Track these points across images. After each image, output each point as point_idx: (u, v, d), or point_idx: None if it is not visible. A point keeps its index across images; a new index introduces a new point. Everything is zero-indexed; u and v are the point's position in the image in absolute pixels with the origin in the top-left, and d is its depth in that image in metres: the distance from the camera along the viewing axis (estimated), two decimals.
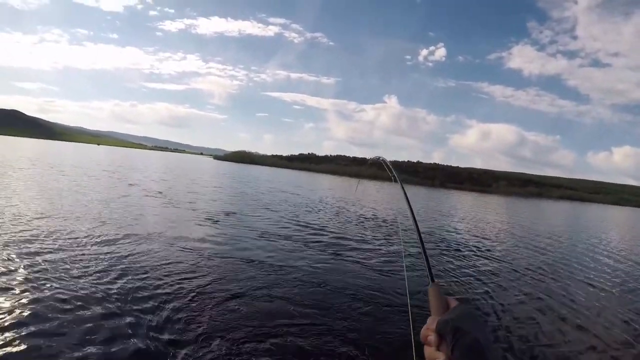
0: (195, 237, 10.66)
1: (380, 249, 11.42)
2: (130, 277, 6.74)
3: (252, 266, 8.44)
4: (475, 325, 0.96)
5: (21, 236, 8.50)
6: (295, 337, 5.27)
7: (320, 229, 13.92)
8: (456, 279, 9.02)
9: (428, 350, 1.03)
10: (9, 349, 4.31)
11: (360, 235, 13.64)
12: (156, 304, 5.87)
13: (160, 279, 6.87)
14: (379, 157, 2.60)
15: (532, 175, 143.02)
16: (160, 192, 19.75)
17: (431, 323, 1.04)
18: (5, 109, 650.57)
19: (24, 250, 7.50)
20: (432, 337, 1.01)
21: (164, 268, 7.55)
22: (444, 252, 12.19)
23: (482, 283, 8.96)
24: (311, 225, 14.49)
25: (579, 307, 8.20)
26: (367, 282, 8.17)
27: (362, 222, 17.04)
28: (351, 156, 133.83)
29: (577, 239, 20.08)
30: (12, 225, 9.42)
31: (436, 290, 1.16)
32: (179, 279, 7.03)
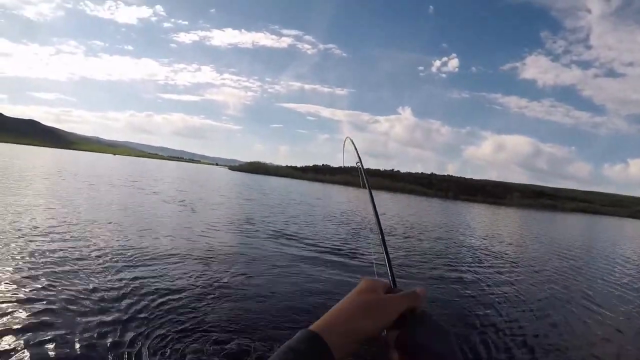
0: (228, 245, 11.29)
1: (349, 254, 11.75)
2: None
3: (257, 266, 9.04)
4: (439, 338, 0.87)
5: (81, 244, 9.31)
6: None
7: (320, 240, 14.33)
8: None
9: None
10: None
11: (330, 236, 14.44)
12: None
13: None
14: (356, 162, 2.66)
15: (546, 187, 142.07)
16: (184, 202, 20.55)
17: (390, 337, 0.93)
18: (23, 119, 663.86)
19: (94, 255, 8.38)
20: (393, 356, 0.89)
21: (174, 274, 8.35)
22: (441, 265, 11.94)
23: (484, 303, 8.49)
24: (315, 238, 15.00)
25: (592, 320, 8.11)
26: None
27: (333, 224, 17.59)
28: (365, 167, 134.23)
29: (585, 253, 19.92)
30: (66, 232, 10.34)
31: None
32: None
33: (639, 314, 9.24)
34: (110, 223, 12.24)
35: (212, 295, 6.71)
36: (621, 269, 15.92)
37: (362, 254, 11.82)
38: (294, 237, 13.75)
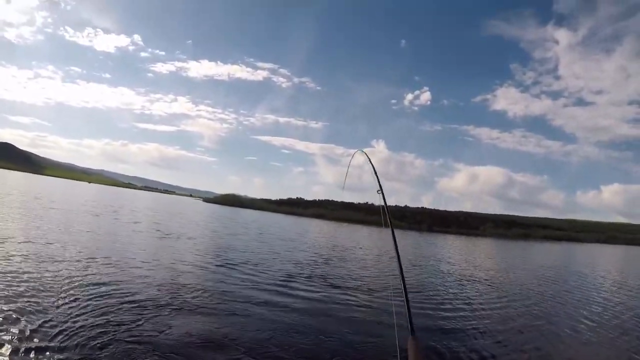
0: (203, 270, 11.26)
1: (369, 295, 11.90)
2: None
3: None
4: None
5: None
6: None
7: (310, 275, 14.50)
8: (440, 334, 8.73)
9: None
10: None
11: (349, 280, 14.25)
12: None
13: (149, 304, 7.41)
14: (377, 190, 2.39)
15: (519, 216, 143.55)
16: (168, 235, 20.87)
17: None
18: None
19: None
20: None
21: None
22: (425, 302, 11.99)
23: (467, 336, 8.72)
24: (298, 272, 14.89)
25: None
26: (357, 328, 8.43)
27: (351, 267, 17.74)
28: (339, 201, 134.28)
29: (551, 280, 20.05)
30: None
31: (415, 345, 1.20)
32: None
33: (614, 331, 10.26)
34: (98, 255, 12.50)
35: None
36: (588, 292, 16.95)
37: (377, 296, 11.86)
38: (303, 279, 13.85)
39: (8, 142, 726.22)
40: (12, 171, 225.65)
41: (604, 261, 41.91)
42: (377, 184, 2.32)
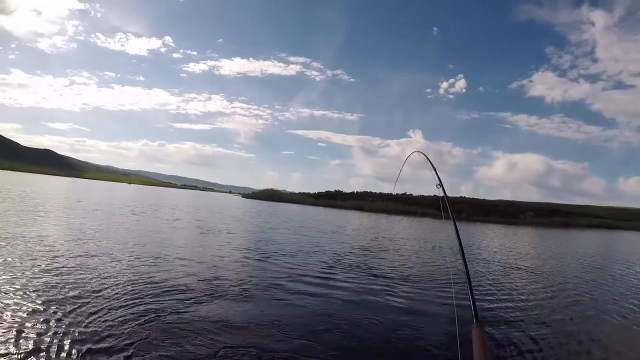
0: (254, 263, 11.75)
1: (429, 283, 12.36)
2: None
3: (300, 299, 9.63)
4: None
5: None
6: None
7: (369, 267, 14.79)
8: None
9: None
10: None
11: (400, 270, 14.46)
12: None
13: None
14: (437, 185, 2.61)
15: (560, 204, 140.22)
16: (219, 232, 21.60)
17: None
18: (38, 148, 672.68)
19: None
20: None
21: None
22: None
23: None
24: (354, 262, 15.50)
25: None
26: (412, 316, 8.67)
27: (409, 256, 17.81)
28: (377, 192, 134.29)
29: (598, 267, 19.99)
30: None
31: (480, 332, 1.19)
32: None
33: None
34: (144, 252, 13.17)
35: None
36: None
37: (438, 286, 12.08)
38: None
39: (48, 148, 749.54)
40: (53, 176, 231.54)
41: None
42: (437, 179, 2.54)
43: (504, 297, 11.48)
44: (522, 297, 11.68)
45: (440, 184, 2.48)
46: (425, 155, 2.91)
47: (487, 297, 11.13)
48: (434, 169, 2.66)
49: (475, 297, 7.61)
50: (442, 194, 2.38)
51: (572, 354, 7.23)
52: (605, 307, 11.26)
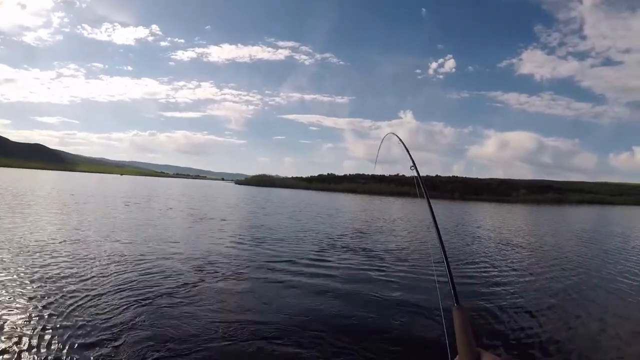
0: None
1: (409, 265, 12.07)
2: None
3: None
4: None
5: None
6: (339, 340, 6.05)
7: (349, 244, 15.34)
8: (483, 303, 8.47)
9: None
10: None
11: (389, 252, 14.48)
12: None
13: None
14: (410, 167, 2.47)
15: (552, 181, 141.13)
16: (211, 218, 21.63)
17: None
18: (28, 143, 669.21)
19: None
20: None
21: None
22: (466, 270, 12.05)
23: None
24: (340, 241, 15.90)
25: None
26: (402, 295, 8.65)
27: (390, 238, 18.03)
28: (370, 174, 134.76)
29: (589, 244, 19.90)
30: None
31: (461, 315, 1.19)
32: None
33: None
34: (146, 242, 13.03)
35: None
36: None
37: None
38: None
39: (39, 142, 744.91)
40: (44, 170, 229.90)
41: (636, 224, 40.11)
42: (411, 161, 2.45)
43: (495, 274, 11.48)
44: (514, 273, 11.75)
45: (414, 166, 2.39)
46: (397, 137, 2.91)
47: (478, 276, 11.11)
48: (407, 150, 2.63)
49: (468, 276, 9.96)
50: (415, 175, 2.32)
51: (568, 329, 7.18)
52: (601, 281, 11.27)
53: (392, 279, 10.19)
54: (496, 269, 12.21)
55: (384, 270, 11.19)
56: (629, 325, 7.68)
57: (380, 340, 6.20)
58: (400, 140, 2.82)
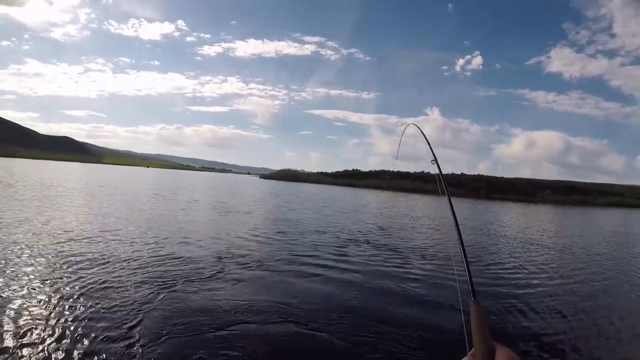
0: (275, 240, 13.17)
1: (430, 262, 12.13)
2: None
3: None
4: None
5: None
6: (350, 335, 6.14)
7: (372, 239, 15.95)
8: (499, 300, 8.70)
9: None
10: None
11: (411, 247, 14.84)
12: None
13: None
14: (432, 161, 2.39)
15: (578, 182, 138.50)
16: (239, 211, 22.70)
17: None
18: (57, 136, 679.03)
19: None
20: None
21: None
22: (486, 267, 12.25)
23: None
24: (360, 237, 16.42)
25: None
26: (422, 289, 8.87)
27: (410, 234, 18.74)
28: (395, 170, 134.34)
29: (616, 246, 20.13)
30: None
31: (477, 310, 1.21)
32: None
33: None
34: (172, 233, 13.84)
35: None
36: None
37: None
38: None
39: (67, 135, 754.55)
40: (72, 162, 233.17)
41: None
42: (432, 155, 2.36)
43: (517, 274, 11.55)
44: (535, 275, 11.75)
45: (435, 160, 2.30)
46: (418, 128, 2.86)
47: (500, 275, 11.24)
48: (428, 143, 2.54)
49: (489, 275, 10.41)
50: (437, 171, 2.24)
51: (592, 334, 7.15)
52: (632, 287, 11.15)
53: (415, 274, 10.41)
54: (521, 269, 12.30)
55: (406, 266, 11.43)
56: None
57: (400, 330, 6.43)
58: (422, 131, 2.77)
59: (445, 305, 7.86)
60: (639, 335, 7.40)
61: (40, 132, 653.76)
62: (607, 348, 6.63)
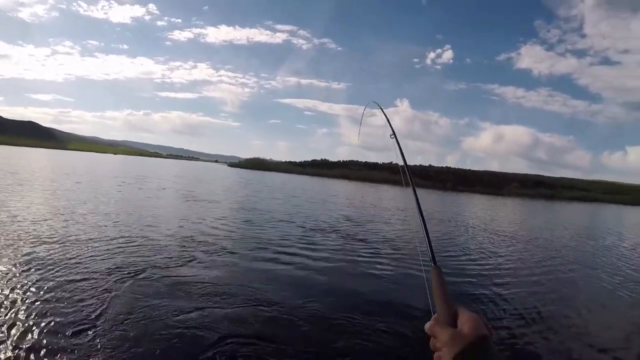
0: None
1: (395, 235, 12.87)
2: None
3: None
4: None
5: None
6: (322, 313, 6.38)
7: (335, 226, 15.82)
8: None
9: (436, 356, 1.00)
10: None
11: (376, 232, 15.11)
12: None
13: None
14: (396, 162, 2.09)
15: (545, 177, 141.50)
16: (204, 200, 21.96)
17: (440, 332, 1.00)
18: (22, 121, 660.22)
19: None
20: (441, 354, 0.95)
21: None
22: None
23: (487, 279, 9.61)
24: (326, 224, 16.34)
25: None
26: (388, 267, 9.63)
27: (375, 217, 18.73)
28: (363, 161, 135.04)
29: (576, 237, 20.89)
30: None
31: (437, 274, 1.21)
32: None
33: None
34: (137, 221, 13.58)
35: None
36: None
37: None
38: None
39: (32, 120, 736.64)
40: (37, 148, 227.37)
41: (630, 223, 39.93)
42: (390, 129, 2.14)
43: (482, 264, 11.73)
44: (495, 263, 12.13)
45: (393, 133, 2.09)
46: (377, 105, 2.65)
47: (464, 263, 11.55)
48: (387, 119, 2.35)
49: (453, 263, 10.62)
50: (396, 149, 2.02)
51: (555, 318, 7.41)
52: (592, 273, 11.83)
53: (380, 256, 10.98)
54: (486, 259, 12.57)
55: (372, 252, 11.87)
56: (610, 316, 8.14)
57: (368, 305, 6.68)
58: (381, 108, 2.58)
59: (410, 281, 8.40)
60: (605, 323, 7.73)
61: (5, 117, 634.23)
62: (568, 323, 7.25)
